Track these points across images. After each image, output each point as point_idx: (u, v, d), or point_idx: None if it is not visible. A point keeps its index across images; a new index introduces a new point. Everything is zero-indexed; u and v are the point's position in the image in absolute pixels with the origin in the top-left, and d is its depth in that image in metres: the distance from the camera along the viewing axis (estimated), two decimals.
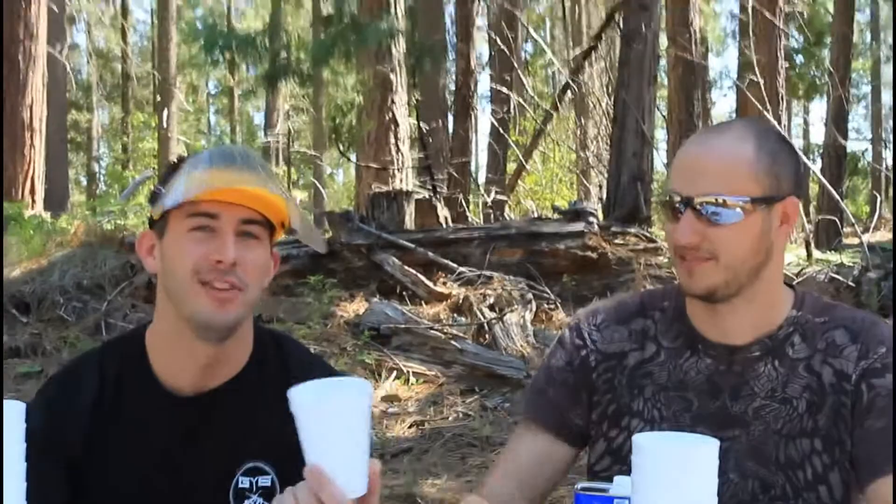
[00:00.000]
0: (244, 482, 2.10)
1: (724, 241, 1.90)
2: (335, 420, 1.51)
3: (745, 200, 1.89)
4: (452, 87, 20.49)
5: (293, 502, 1.59)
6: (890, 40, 28.22)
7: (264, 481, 2.10)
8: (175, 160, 2.12)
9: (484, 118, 23.11)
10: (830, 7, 24.35)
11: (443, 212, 11.22)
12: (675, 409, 2.05)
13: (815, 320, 2.04)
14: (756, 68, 13.78)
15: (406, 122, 15.77)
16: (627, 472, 1.53)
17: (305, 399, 1.54)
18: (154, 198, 2.05)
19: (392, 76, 15.25)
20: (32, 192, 16.94)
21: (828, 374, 1.99)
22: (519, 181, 18.70)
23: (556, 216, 10.65)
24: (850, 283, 8.91)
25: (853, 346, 1.99)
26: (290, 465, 2.09)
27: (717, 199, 1.89)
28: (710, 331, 2.06)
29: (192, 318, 1.99)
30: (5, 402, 1.36)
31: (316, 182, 30.68)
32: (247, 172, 1.98)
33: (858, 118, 43.13)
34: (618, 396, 2.12)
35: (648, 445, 1.45)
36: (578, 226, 9.90)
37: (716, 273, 1.93)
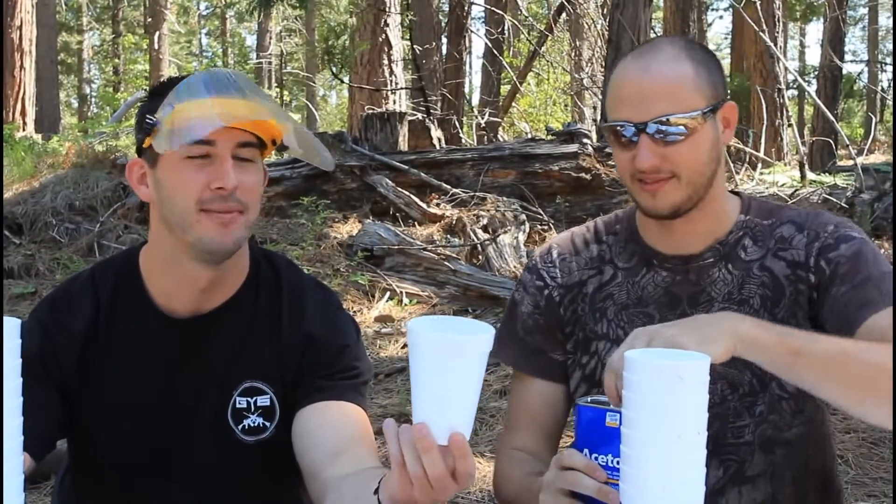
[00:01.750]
0: (242, 402, 2.11)
1: (682, 158, 1.95)
2: (468, 363, 1.46)
3: (696, 114, 1.94)
4: (446, 8, 20.29)
5: (423, 471, 1.48)
6: None
7: (263, 401, 2.12)
8: (160, 84, 2.07)
9: (478, 39, 22.90)
10: None
11: (436, 133, 11.15)
12: (637, 325, 2.07)
13: (764, 223, 2.10)
14: None
15: (399, 44, 15.67)
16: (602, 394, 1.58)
17: (440, 339, 1.45)
18: (147, 128, 1.98)
19: None
20: (23, 113, 16.88)
21: (780, 267, 2.05)
22: (513, 103, 18.59)
23: (549, 137, 10.60)
24: (844, 205, 8.91)
25: (800, 234, 2.05)
26: (288, 384, 2.12)
27: (669, 119, 1.93)
28: (664, 245, 2.11)
29: (196, 245, 1.99)
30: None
31: (309, 104, 30.55)
32: (247, 99, 1.95)
33: (855, 40, 42.91)
34: (583, 324, 2.17)
35: (640, 361, 1.45)
36: (572, 147, 9.86)
37: (678, 190, 1.98)
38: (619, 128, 1.97)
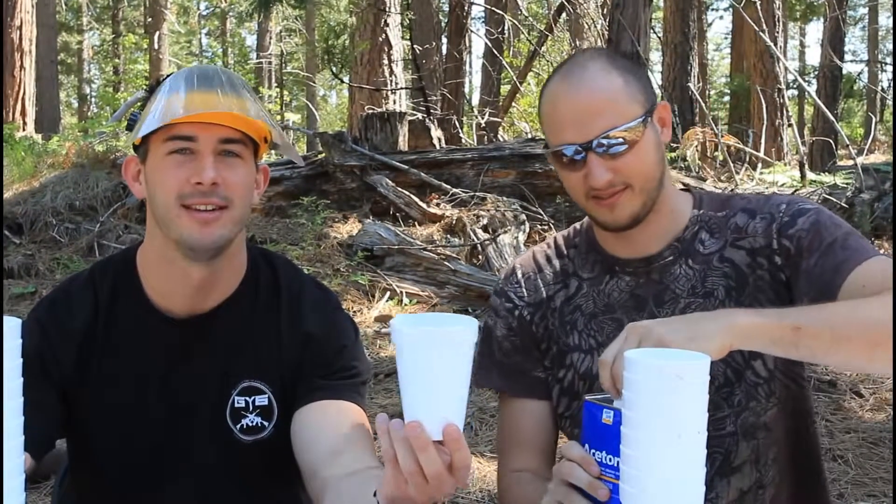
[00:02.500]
0: (240, 402, 2.11)
1: (631, 168, 1.98)
2: (450, 355, 1.46)
3: (637, 123, 1.97)
4: (446, 8, 20.29)
5: (416, 467, 1.47)
6: None
7: (261, 400, 2.12)
8: (154, 82, 2.11)
9: (478, 39, 22.90)
10: None
11: (436, 133, 11.15)
12: (607, 331, 2.12)
13: (718, 215, 2.13)
14: None
15: (399, 43, 15.67)
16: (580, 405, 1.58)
17: (427, 333, 1.45)
18: (133, 123, 2.05)
19: None
20: (23, 113, 16.88)
21: (740, 256, 2.07)
22: (513, 103, 18.59)
23: None
24: (844, 205, 8.90)
25: (754, 220, 2.08)
26: (287, 383, 2.13)
27: (613, 133, 1.95)
28: (623, 250, 2.14)
29: (179, 241, 2.00)
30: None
31: (309, 104, 30.55)
32: (223, 94, 1.97)
33: (855, 40, 42.95)
34: (556, 338, 2.19)
35: (640, 361, 1.45)
36: None
37: (634, 199, 2.00)
38: (564, 151, 1.98)
